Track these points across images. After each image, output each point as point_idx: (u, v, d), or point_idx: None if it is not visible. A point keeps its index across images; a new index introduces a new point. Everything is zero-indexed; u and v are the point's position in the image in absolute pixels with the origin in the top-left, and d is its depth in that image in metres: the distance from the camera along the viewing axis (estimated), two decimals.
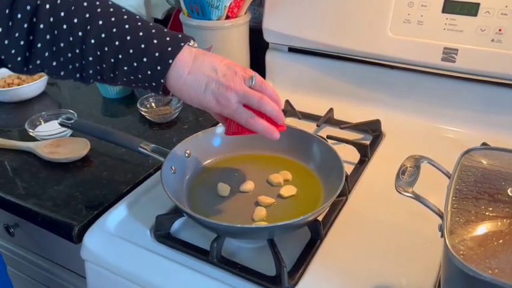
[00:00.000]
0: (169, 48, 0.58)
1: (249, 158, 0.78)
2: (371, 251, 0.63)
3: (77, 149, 0.84)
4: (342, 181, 0.64)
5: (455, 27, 0.83)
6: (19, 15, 0.57)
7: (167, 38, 0.59)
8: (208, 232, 0.63)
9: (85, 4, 0.58)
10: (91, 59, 0.59)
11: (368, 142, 0.85)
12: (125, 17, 0.59)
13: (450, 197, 0.50)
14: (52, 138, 0.88)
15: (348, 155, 0.81)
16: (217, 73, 0.60)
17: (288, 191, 0.69)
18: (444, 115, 0.91)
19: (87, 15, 0.58)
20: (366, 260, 0.62)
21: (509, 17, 0.79)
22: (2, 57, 0.59)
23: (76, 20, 0.58)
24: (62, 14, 0.58)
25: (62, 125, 0.80)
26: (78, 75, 0.62)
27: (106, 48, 0.58)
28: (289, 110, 0.97)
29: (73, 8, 0.58)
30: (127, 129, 0.94)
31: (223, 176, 0.74)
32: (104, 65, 0.59)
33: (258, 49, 1.08)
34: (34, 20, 0.57)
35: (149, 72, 0.59)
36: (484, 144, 0.80)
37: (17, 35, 0.58)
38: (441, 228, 0.48)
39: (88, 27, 0.58)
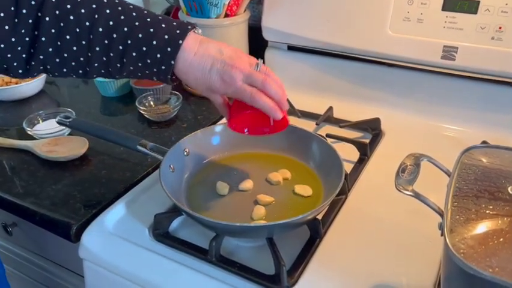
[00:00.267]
0: (178, 31, 0.59)
1: (248, 156, 0.77)
2: (370, 249, 0.63)
3: (76, 147, 0.84)
4: (342, 179, 0.63)
5: (455, 25, 0.83)
6: (24, 11, 0.57)
7: (174, 23, 0.60)
8: (207, 231, 0.62)
9: None
10: (97, 49, 0.59)
11: (367, 141, 0.85)
12: (131, 6, 0.60)
13: (450, 195, 0.50)
14: (50, 136, 0.88)
15: (348, 153, 0.81)
16: (223, 54, 0.60)
17: (304, 190, 0.69)
18: (444, 113, 0.90)
19: (94, 6, 0.58)
20: (366, 259, 0.61)
21: (509, 15, 0.79)
22: (8, 55, 0.58)
23: (83, 10, 0.58)
24: (69, 6, 0.58)
25: (60, 123, 0.79)
26: (81, 71, 0.61)
27: (115, 35, 0.58)
28: (288, 108, 0.97)
29: (79, 0, 0.58)
30: (125, 128, 0.94)
31: (222, 174, 0.73)
32: (111, 54, 0.59)
33: (257, 47, 1.08)
34: (39, 14, 0.57)
35: (158, 56, 0.59)
36: (484, 142, 0.79)
37: (23, 31, 0.58)
38: (441, 227, 0.48)
39: (96, 16, 0.58)
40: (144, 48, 0.59)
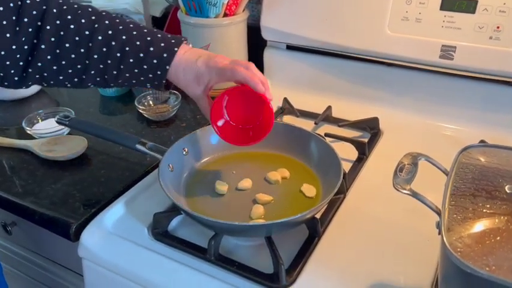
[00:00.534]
0: (173, 41, 0.64)
1: (246, 155, 0.77)
2: (368, 248, 0.63)
3: (75, 147, 0.84)
4: (340, 179, 0.64)
5: (453, 24, 0.83)
6: (26, 19, 0.60)
7: (169, 35, 0.65)
8: (206, 230, 0.63)
9: (90, 9, 0.63)
10: (96, 56, 0.62)
11: (366, 140, 0.85)
12: (127, 20, 0.65)
13: (447, 194, 0.50)
14: (49, 136, 0.88)
15: (346, 152, 0.81)
16: (208, 50, 0.66)
17: (309, 190, 0.69)
18: (442, 113, 0.91)
19: (93, 17, 0.62)
20: (364, 258, 0.62)
21: (507, 15, 0.79)
22: (7, 62, 0.60)
23: (83, 20, 0.62)
24: (69, 16, 0.62)
25: (59, 123, 0.79)
26: (76, 79, 0.64)
27: (113, 43, 0.62)
28: (287, 107, 0.97)
29: (79, 11, 0.62)
30: (124, 128, 0.94)
31: (220, 173, 0.74)
32: (109, 61, 0.63)
33: (256, 47, 1.08)
34: (39, 23, 0.60)
35: (155, 61, 0.63)
36: (481, 141, 0.79)
37: (23, 39, 0.60)
38: (438, 225, 0.48)
39: (96, 25, 0.62)
40: (141, 55, 0.62)
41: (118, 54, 0.62)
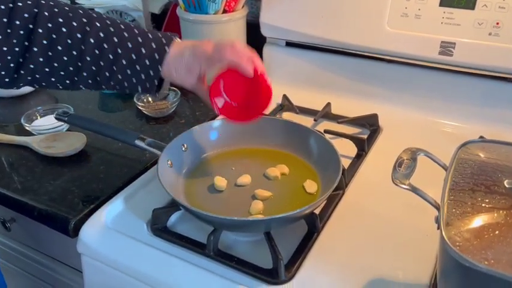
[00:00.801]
0: (164, 40, 0.64)
1: (246, 151, 0.78)
2: (367, 244, 0.63)
3: (74, 143, 0.84)
4: (339, 174, 0.64)
5: (452, 20, 0.83)
6: (17, 22, 0.60)
7: (160, 34, 0.65)
8: (205, 225, 0.63)
9: (81, 12, 0.63)
10: (88, 58, 0.62)
11: (365, 136, 0.85)
12: (118, 21, 0.65)
13: (446, 189, 0.50)
14: (48, 132, 0.88)
15: (346, 149, 0.81)
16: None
17: (310, 186, 0.69)
18: (441, 109, 0.91)
19: (84, 20, 0.62)
20: (363, 253, 0.62)
21: (507, 11, 0.79)
22: None
23: (75, 24, 0.62)
24: (61, 20, 0.62)
25: (58, 119, 0.79)
26: (68, 81, 0.65)
27: (106, 45, 0.62)
28: (286, 104, 0.97)
29: (70, 14, 0.62)
30: (123, 124, 0.94)
31: (219, 169, 0.74)
32: (102, 63, 0.63)
33: (255, 44, 1.07)
34: (31, 26, 0.61)
35: (147, 62, 0.63)
36: (481, 137, 0.79)
37: (14, 41, 0.60)
38: (437, 220, 0.48)
39: (87, 28, 0.62)
40: (134, 56, 0.63)
41: (111, 56, 0.63)
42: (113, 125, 0.77)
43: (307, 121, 0.91)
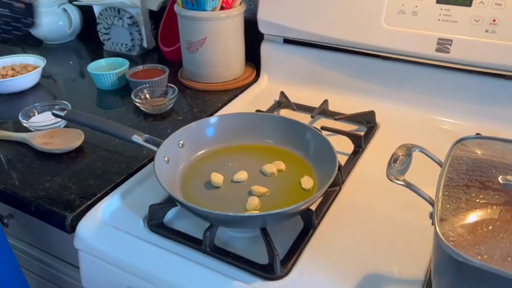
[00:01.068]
0: None
1: (242, 148, 0.78)
2: (363, 240, 0.63)
3: (71, 139, 0.84)
4: (335, 171, 0.64)
5: (449, 17, 0.83)
6: None
7: None
8: (201, 222, 0.63)
9: None
10: None
11: (362, 133, 0.85)
12: None
13: (441, 185, 0.50)
14: (46, 129, 0.88)
15: (343, 146, 0.81)
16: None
17: (306, 182, 0.69)
18: (438, 106, 0.91)
19: None
20: (359, 249, 0.62)
21: (504, 8, 0.79)
22: None
23: None
24: None
25: (55, 115, 0.79)
26: None
27: None
28: (284, 101, 0.97)
29: None
30: (121, 121, 0.94)
31: (216, 166, 0.74)
32: None
33: (253, 41, 1.08)
34: None
35: None
36: (477, 134, 0.80)
37: None
38: (432, 216, 0.48)
39: None
40: None
41: None
42: (110, 121, 0.77)
43: (304, 118, 0.91)
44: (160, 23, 1.21)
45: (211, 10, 0.98)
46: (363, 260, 0.60)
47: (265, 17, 1.01)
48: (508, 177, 0.49)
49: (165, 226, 0.66)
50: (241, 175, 0.71)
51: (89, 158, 0.82)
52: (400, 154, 0.55)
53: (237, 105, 0.99)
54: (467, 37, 0.82)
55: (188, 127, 0.75)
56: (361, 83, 0.97)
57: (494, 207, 0.47)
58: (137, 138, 0.73)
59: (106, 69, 1.08)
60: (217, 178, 0.70)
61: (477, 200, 0.48)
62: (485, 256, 0.42)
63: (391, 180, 0.52)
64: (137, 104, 0.96)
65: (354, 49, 0.95)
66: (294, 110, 0.95)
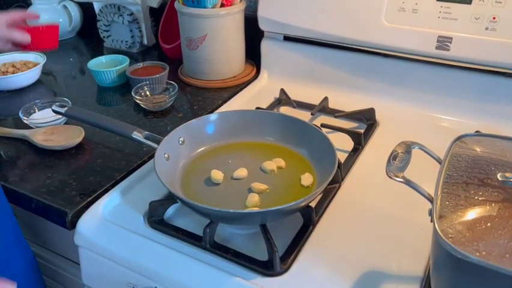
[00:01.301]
0: None
1: (242, 145, 0.78)
2: (362, 237, 0.64)
3: (72, 136, 0.84)
4: (335, 168, 0.64)
5: (449, 15, 0.83)
6: None
7: None
8: (201, 218, 0.63)
9: None
10: None
11: (362, 131, 0.85)
12: None
13: (440, 182, 0.50)
14: (46, 126, 0.88)
15: (342, 143, 0.82)
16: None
17: (306, 179, 0.69)
18: (438, 104, 0.91)
19: None
20: (358, 246, 0.62)
21: (504, 5, 0.79)
22: None
23: None
24: None
25: (55, 112, 0.80)
26: None
27: None
28: (284, 98, 0.97)
29: None
30: (121, 118, 0.94)
31: (216, 163, 0.74)
32: None
33: (253, 38, 1.08)
34: None
35: None
36: (477, 132, 0.80)
37: None
38: (431, 213, 0.48)
39: None
40: None
41: None
42: (110, 118, 0.77)
43: (304, 115, 0.91)
44: (160, 20, 1.21)
45: (212, 7, 0.98)
46: (362, 256, 0.60)
47: (265, 14, 1.01)
48: (507, 175, 0.49)
49: (165, 223, 0.67)
50: (241, 172, 0.71)
51: (90, 155, 0.82)
52: (399, 151, 0.56)
53: (237, 103, 0.99)
54: (467, 35, 0.83)
55: (188, 124, 0.76)
56: (361, 81, 0.97)
57: (493, 204, 0.47)
58: (138, 135, 0.74)
59: (106, 66, 1.08)
60: (217, 175, 0.70)
61: (476, 197, 0.48)
62: (484, 253, 0.42)
63: (390, 177, 0.52)
64: (137, 101, 0.96)
65: (355, 46, 0.95)
66: (294, 107, 0.96)
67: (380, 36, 0.90)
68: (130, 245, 0.64)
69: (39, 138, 0.84)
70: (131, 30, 1.25)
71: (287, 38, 1.04)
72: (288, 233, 0.64)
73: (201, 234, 0.62)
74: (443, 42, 0.84)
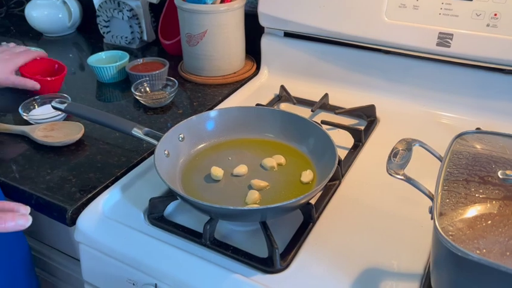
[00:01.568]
0: None
1: (242, 142, 0.78)
2: (363, 234, 0.64)
3: (71, 132, 0.84)
4: (335, 165, 0.64)
5: (450, 11, 0.83)
6: None
7: None
8: (201, 215, 0.63)
9: None
10: None
11: (362, 127, 0.85)
12: None
13: (441, 180, 0.50)
14: (46, 122, 0.88)
15: (343, 140, 0.82)
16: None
17: (307, 177, 0.69)
18: (439, 100, 0.91)
19: None
20: (358, 243, 0.62)
21: (505, 2, 0.79)
22: None
23: None
24: None
25: (55, 108, 0.79)
26: None
27: None
28: (284, 95, 0.97)
29: None
30: (121, 114, 0.94)
31: (216, 159, 0.74)
32: None
33: (253, 34, 1.08)
34: None
35: None
36: (477, 129, 0.80)
37: None
38: (431, 210, 0.48)
39: None
40: None
41: None
42: (110, 114, 0.77)
43: (304, 112, 0.91)
44: (160, 15, 1.20)
45: (212, 3, 0.98)
46: (362, 253, 0.60)
47: (265, 10, 1.01)
48: (508, 172, 0.49)
49: (165, 219, 0.67)
50: (241, 169, 0.71)
51: (90, 151, 0.82)
52: (400, 148, 0.56)
53: (237, 99, 0.99)
54: (468, 31, 0.82)
55: (188, 121, 0.75)
56: (361, 77, 0.97)
57: (494, 201, 0.47)
58: (137, 131, 0.73)
59: (106, 62, 1.08)
60: (217, 172, 0.70)
61: (476, 195, 0.48)
62: (484, 250, 0.42)
63: (391, 175, 0.52)
64: (137, 97, 0.95)
65: (355, 43, 0.95)
66: (294, 103, 0.95)
67: (381, 32, 0.90)
68: (130, 242, 0.64)
69: (39, 134, 0.84)
70: (131, 26, 1.24)
71: (287, 34, 1.04)
72: (288, 230, 0.64)
73: (201, 231, 0.62)
74: (444, 38, 0.84)
